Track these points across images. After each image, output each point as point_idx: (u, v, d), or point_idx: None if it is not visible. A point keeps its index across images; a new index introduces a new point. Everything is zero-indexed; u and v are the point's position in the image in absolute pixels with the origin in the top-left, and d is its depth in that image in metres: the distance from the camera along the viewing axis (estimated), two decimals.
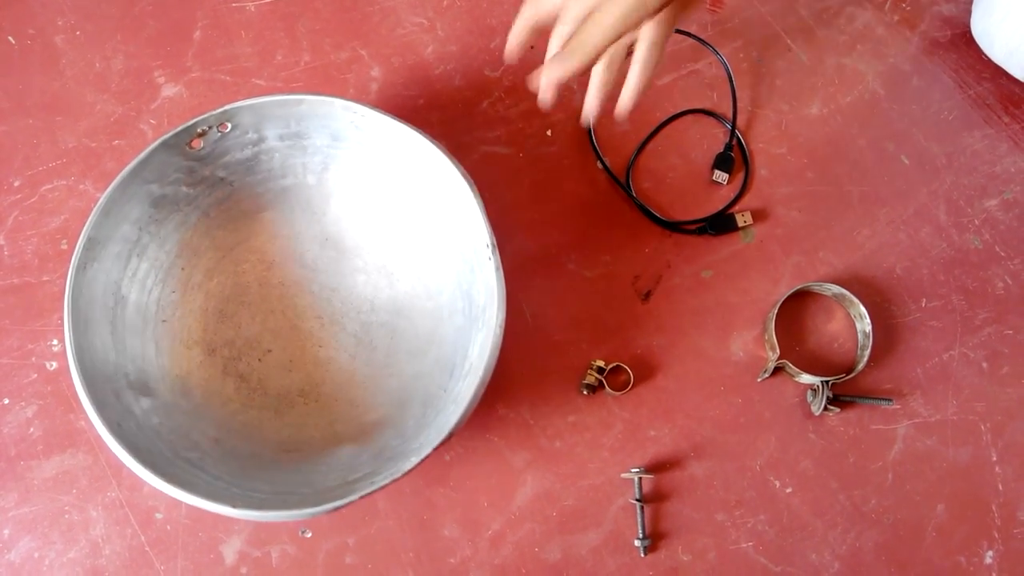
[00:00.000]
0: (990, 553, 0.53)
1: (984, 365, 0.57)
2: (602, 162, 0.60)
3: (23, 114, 0.59)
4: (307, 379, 0.54)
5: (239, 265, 0.55)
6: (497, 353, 0.45)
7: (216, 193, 0.53)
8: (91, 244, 0.47)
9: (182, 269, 0.53)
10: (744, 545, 0.53)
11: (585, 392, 0.55)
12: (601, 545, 0.53)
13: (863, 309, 0.55)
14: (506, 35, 0.62)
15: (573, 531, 0.53)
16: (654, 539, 0.53)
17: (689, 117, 0.61)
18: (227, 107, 0.48)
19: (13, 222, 0.57)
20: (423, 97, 0.61)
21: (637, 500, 0.52)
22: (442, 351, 0.53)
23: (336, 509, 0.42)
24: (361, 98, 0.60)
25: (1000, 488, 0.54)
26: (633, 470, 0.53)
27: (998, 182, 0.61)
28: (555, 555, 0.53)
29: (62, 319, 0.55)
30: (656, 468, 0.54)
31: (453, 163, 0.48)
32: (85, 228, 0.46)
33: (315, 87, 0.61)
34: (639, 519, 0.52)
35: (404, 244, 0.56)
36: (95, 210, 0.47)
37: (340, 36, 0.62)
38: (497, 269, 0.46)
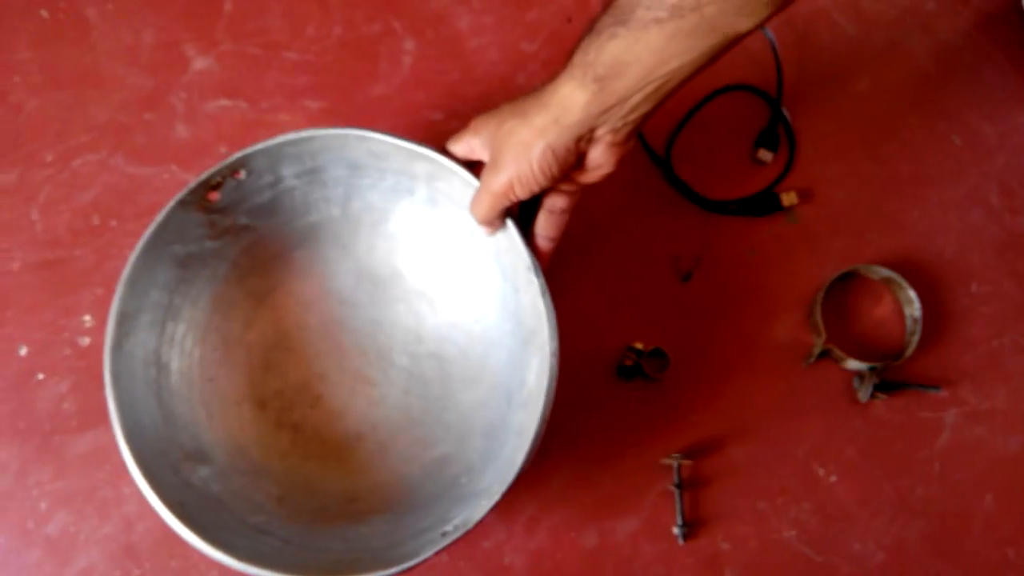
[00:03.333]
0: None
1: None
2: (642, 140, 0.58)
3: (55, 88, 0.58)
4: (362, 421, 0.52)
5: (276, 311, 0.53)
6: (555, 383, 0.42)
7: (242, 241, 0.51)
8: (123, 319, 0.44)
9: (219, 325, 0.51)
10: (786, 534, 0.52)
11: (621, 375, 0.53)
12: (639, 531, 0.52)
13: (912, 293, 0.53)
14: (543, 7, 0.61)
15: (610, 517, 0.52)
16: (693, 526, 0.52)
17: (732, 93, 0.59)
18: (238, 155, 0.45)
19: (45, 197, 0.56)
20: (457, 71, 0.60)
21: (676, 486, 0.51)
22: (497, 378, 0.51)
23: (410, 568, 0.40)
24: (394, 73, 0.59)
25: None
26: (673, 456, 0.52)
27: None
28: (591, 541, 0.52)
29: (95, 295, 0.54)
30: (696, 454, 0.53)
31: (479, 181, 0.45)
32: (114, 304, 0.44)
33: (346, 60, 0.59)
34: (678, 506, 0.51)
35: (441, 268, 0.53)
36: (121, 283, 0.44)
37: (372, 8, 0.61)
38: (543, 293, 0.44)
